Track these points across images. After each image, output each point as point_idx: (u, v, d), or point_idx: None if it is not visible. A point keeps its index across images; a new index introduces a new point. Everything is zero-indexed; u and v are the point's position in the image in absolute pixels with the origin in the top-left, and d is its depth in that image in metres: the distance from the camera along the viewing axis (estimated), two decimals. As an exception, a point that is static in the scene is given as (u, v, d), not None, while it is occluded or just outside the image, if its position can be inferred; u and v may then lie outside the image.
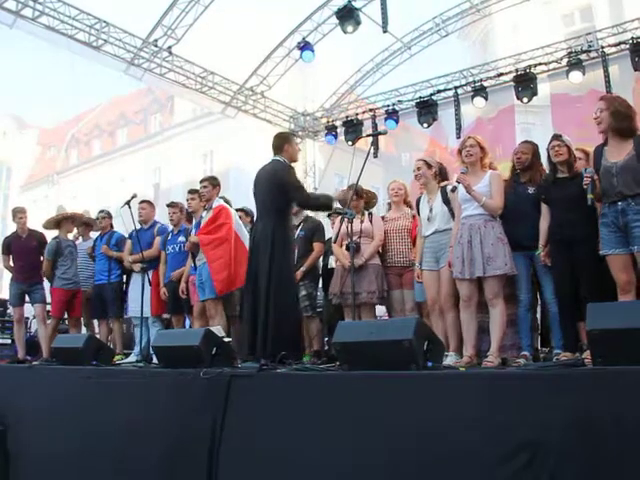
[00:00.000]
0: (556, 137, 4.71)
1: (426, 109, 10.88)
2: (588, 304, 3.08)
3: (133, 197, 6.40)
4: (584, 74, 9.77)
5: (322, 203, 5.29)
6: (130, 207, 6.41)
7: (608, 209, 4.12)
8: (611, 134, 4.19)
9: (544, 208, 4.72)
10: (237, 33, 10.70)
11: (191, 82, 11.08)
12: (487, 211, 4.59)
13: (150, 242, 7.10)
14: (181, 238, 6.78)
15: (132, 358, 6.86)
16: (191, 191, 6.65)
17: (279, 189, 5.07)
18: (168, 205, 7.12)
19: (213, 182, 6.31)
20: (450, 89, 10.95)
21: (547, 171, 4.91)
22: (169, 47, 10.31)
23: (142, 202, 7.26)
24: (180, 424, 4.20)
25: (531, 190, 4.86)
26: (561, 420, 2.82)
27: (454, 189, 4.68)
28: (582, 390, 2.85)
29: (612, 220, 4.08)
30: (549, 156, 4.73)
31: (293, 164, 5.36)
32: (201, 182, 6.35)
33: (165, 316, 7.10)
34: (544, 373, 3.10)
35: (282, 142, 5.34)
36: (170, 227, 7.08)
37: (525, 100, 10.12)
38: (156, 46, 10.22)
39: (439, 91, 11.03)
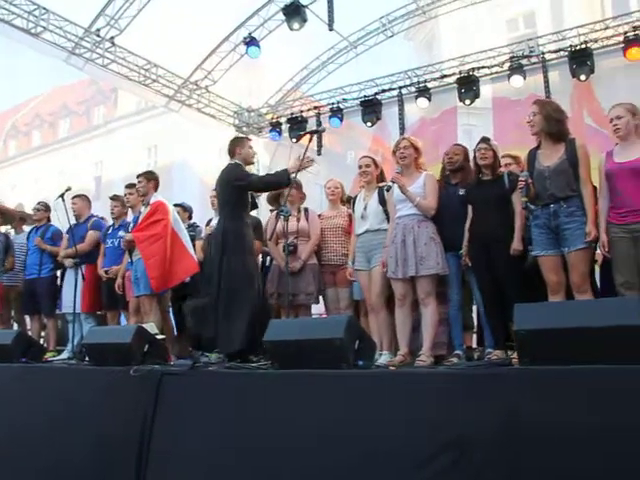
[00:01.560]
0: (484, 140, 4.82)
1: (370, 108, 10.93)
2: (515, 305, 3.13)
3: (67, 190, 6.21)
4: (525, 78, 9.96)
5: (278, 178, 5.16)
6: (64, 200, 6.24)
7: (541, 211, 4.21)
8: (544, 137, 4.29)
9: (469, 210, 4.81)
10: (182, 26, 10.49)
11: (134, 74, 10.82)
12: (421, 211, 4.64)
13: (83, 236, 6.92)
14: (121, 232, 6.60)
15: (64, 355, 6.68)
16: (129, 185, 6.53)
17: (227, 187, 5.20)
18: (111, 198, 6.99)
19: (148, 177, 6.20)
20: (394, 89, 11.02)
21: None
22: (112, 38, 10.03)
23: (74, 197, 7.08)
24: (109, 423, 4.14)
25: (462, 192, 4.93)
26: (487, 419, 2.86)
27: (389, 188, 4.71)
28: (508, 390, 2.90)
29: (544, 222, 4.17)
30: (475, 158, 4.82)
31: (249, 167, 5.48)
32: (137, 177, 6.25)
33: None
34: (471, 373, 3.14)
35: (233, 146, 5.41)
36: (107, 221, 6.93)
37: (467, 102, 10.25)
38: (98, 36, 9.94)
39: (383, 91, 11.07)
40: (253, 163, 5.63)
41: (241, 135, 5.95)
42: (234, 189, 5.16)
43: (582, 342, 2.80)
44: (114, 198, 6.90)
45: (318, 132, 5.74)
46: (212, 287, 5.01)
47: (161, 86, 11.29)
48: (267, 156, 12.56)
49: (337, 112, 11.26)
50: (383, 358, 4.60)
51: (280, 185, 5.25)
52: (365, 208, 5.09)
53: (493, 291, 4.58)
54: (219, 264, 5.00)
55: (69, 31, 9.70)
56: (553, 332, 2.91)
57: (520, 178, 4.23)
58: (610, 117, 4.14)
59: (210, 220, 7.04)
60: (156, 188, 6.21)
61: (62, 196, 6.16)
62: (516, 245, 4.46)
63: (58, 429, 4.38)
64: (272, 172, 5.36)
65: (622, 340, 2.72)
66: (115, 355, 4.46)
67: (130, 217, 6.59)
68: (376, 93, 11.05)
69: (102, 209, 7.47)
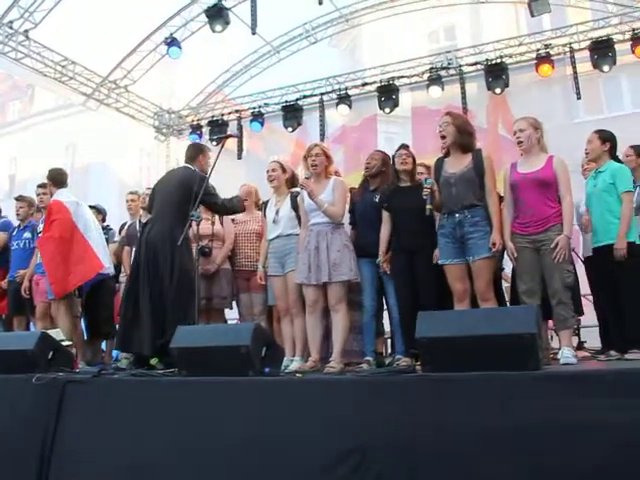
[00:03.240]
0: (404, 147, 4.90)
1: (291, 113, 10.95)
2: (418, 312, 3.20)
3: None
4: (443, 89, 10.23)
5: (236, 205, 5.26)
6: (-34, 200, 6.00)
7: (446, 220, 4.32)
8: (454, 148, 4.40)
9: (385, 215, 4.83)
10: (102, 22, 10.28)
11: (50, 70, 10.47)
12: (329, 218, 4.65)
13: (-8, 238, 6.66)
14: (27, 234, 6.41)
15: (-34, 362, 6.38)
16: (41, 185, 6.32)
17: (184, 192, 4.94)
18: (16, 199, 6.73)
19: (47, 176, 6.00)
20: (316, 95, 11.10)
21: None
22: (26, 31, 9.68)
23: None
24: (9, 433, 3.98)
25: (377, 198, 4.95)
26: (387, 425, 2.91)
27: (297, 194, 4.73)
28: (408, 396, 2.97)
29: (450, 231, 4.28)
30: (394, 163, 4.89)
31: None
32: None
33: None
34: (375, 379, 3.19)
35: (197, 152, 5.32)
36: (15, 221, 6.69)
37: (387, 110, 10.43)
38: (11, 28, 9.59)
39: (305, 96, 11.14)
40: (206, 173, 5.25)
41: (204, 144, 5.75)
42: (190, 197, 4.87)
43: (480, 349, 2.90)
44: (19, 199, 6.66)
45: (228, 137, 5.68)
46: (156, 294, 4.82)
47: (78, 84, 10.96)
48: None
49: (258, 116, 11.26)
50: (294, 364, 4.60)
51: (236, 212, 5.39)
52: (277, 213, 5.07)
53: (410, 299, 4.60)
54: (170, 273, 4.80)
55: (-22, 22, 9.32)
56: (452, 340, 2.99)
57: (425, 185, 4.29)
58: (514, 130, 4.28)
59: (125, 224, 6.89)
60: (57, 184, 5.94)
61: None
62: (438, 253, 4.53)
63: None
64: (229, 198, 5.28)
65: (517, 347, 2.83)
66: (18, 362, 4.28)
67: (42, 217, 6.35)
68: (297, 99, 11.11)
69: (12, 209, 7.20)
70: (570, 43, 9.52)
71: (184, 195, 4.94)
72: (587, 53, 9.36)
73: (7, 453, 3.92)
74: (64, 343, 4.80)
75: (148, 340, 4.72)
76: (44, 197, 6.26)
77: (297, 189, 4.72)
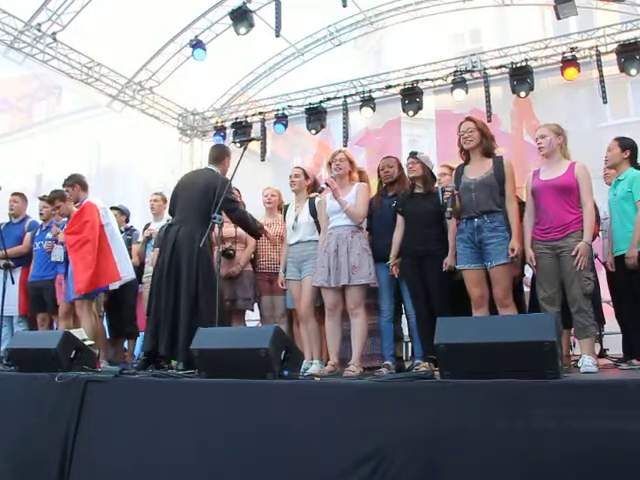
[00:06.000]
0: (411, 154, 4.92)
1: (315, 116, 10.98)
2: (437, 318, 3.19)
3: (-2, 188, 6.06)
4: (467, 92, 10.17)
5: (255, 227, 5.26)
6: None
7: (465, 225, 4.32)
8: (476, 152, 4.41)
9: (399, 219, 4.86)
10: (127, 25, 10.28)
11: (76, 72, 10.64)
12: (350, 218, 4.68)
13: (20, 237, 6.73)
14: (49, 235, 6.48)
15: (-10, 361, 6.48)
16: (42, 198, 6.49)
17: (213, 198, 4.91)
18: (40, 198, 6.80)
19: (69, 183, 6.02)
20: (339, 97, 11.10)
21: None
22: (53, 33, 9.83)
23: (14, 194, 6.89)
24: (32, 430, 4.03)
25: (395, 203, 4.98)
26: (405, 430, 2.90)
27: (322, 190, 4.77)
28: (426, 401, 2.96)
29: (468, 236, 4.28)
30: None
31: None
32: (63, 186, 6.13)
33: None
34: (393, 385, 3.18)
35: (223, 155, 5.33)
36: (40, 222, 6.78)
37: (411, 114, 10.39)
38: (39, 31, 9.74)
39: (328, 99, 11.15)
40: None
41: (228, 147, 5.70)
42: (214, 200, 4.87)
43: (498, 356, 2.88)
44: (43, 198, 6.71)
45: (251, 140, 5.72)
46: (181, 296, 4.83)
47: (104, 85, 11.14)
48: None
49: (282, 118, 11.29)
50: (314, 367, 4.62)
51: (251, 233, 5.35)
52: (296, 219, 5.11)
53: (425, 304, 4.64)
54: (195, 268, 4.83)
55: (8, 24, 9.47)
56: (471, 346, 2.97)
57: (446, 189, 4.33)
58: (535, 136, 4.28)
59: (148, 224, 6.94)
60: (85, 189, 6.02)
61: (-9, 194, 6.02)
62: (449, 261, 4.52)
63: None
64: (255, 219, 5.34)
65: (536, 355, 2.81)
66: (41, 361, 4.34)
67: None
68: (321, 101, 11.12)
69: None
70: (597, 46, 9.39)
71: (210, 199, 4.93)
72: (614, 56, 9.24)
73: (29, 450, 3.97)
74: (87, 342, 4.86)
75: (167, 341, 4.78)
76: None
77: (322, 185, 4.74)
